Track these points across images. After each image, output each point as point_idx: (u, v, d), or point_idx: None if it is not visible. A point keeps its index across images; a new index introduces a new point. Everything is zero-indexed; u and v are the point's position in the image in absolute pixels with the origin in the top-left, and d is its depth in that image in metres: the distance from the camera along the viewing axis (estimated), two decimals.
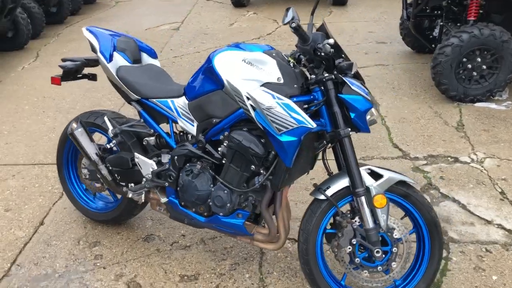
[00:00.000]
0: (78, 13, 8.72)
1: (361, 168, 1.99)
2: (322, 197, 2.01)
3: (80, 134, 2.47)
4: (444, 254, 2.48)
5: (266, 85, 1.92)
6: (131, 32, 6.93)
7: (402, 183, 2.02)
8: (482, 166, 3.30)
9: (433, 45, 5.03)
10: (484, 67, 4.16)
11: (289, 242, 2.59)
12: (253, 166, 2.04)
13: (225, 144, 2.09)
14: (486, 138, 3.69)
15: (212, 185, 2.17)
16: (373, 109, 1.94)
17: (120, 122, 2.50)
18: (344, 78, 1.90)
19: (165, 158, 2.34)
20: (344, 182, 2.00)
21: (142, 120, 2.41)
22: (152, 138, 2.40)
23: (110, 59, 2.40)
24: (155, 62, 2.58)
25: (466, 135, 3.74)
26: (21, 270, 2.52)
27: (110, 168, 2.49)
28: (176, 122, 2.28)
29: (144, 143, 2.43)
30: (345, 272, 2.11)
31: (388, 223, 2.00)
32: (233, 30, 7.15)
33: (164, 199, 2.36)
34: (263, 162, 2.03)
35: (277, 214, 2.15)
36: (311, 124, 1.86)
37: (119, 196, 2.73)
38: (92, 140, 2.52)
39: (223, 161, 2.13)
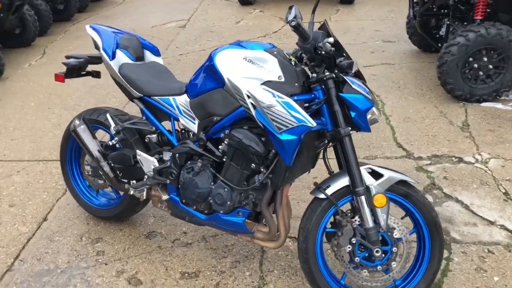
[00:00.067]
0: (85, 10, 8.75)
1: (361, 167, 1.98)
2: (322, 196, 2.01)
3: (83, 131, 2.49)
4: (446, 254, 2.47)
5: (267, 83, 1.92)
6: (137, 30, 6.97)
7: (402, 182, 2.01)
8: (487, 167, 3.28)
9: (439, 44, 4.99)
10: (491, 66, 4.13)
11: (290, 241, 2.59)
12: (253, 165, 2.04)
13: (225, 142, 2.10)
14: (491, 138, 3.66)
15: (212, 183, 2.17)
16: (374, 108, 1.93)
17: (123, 119, 2.51)
18: (344, 77, 1.90)
19: (167, 156, 2.35)
20: (344, 181, 2.00)
21: (144, 117, 2.42)
22: (154, 135, 2.41)
23: (112, 56, 2.41)
24: (158, 59, 2.59)
25: (471, 135, 3.71)
26: (24, 265, 2.54)
27: (112, 165, 2.51)
28: (177, 120, 2.29)
29: (146, 140, 2.43)
30: (344, 271, 2.10)
31: (388, 222, 1.99)
32: (239, 28, 7.15)
33: (165, 197, 2.37)
34: (263, 160, 2.03)
35: (277, 213, 2.16)
36: (311, 123, 1.86)
37: (121, 193, 2.74)
38: (94, 137, 2.54)
39: (224, 159, 2.14)
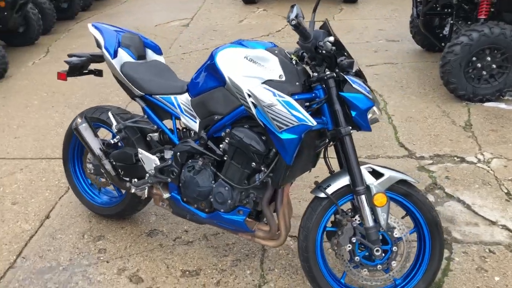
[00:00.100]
0: (89, 9, 8.78)
1: (362, 167, 1.98)
2: (322, 195, 2.01)
3: (85, 129, 2.50)
4: (447, 254, 2.47)
5: (268, 82, 1.92)
6: (141, 28, 6.98)
7: (403, 182, 2.01)
8: (489, 167, 3.27)
9: (443, 44, 4.96)
10: (494, 66, 4.11)
11: (290, 240, 2.60)
12: (254, 163, 2.04)
13: (226, 141, 2.10)
14: (494, 138, 3.65)
15: (213, 182, 2.18)
16: (374, 108, 1.93)
17: (124, 117, 2.51)
18: (345, 76, 1.90)
19: (168, 154, 2.36)
20: (344, 181, 2.00)
21: (145, 116, 2.43)
22: (156, 134, 2.42)
23: (114, 55, 2.41)
24: (160, 58, 2.59)
25: (473, 135, 3.70)
26: (26, 262, 2.56)
27: (114, 163, 2.52)
28: (179, 119, 2.30)
29: (147, 139, 2.44)
30: (345, 270, 2.10)
31: (388, 222, 1.99)
32: (243, 27, 7.15)
33: (166, 195, 2.38)
34: (264, 159, 2.03)
35: (278, 212, 2.16)
36: (312, 122, 1.86)
37: (123, 191, 2.75)
38: (96, 135, 2.55)
39: (225, 158, 2.14)
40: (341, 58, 1.93)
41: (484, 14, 4.22)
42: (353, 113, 1.90)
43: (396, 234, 2.02)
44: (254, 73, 1.94)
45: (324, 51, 1.86)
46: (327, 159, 2.18)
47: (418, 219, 2.06)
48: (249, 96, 1.93)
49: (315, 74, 1.95)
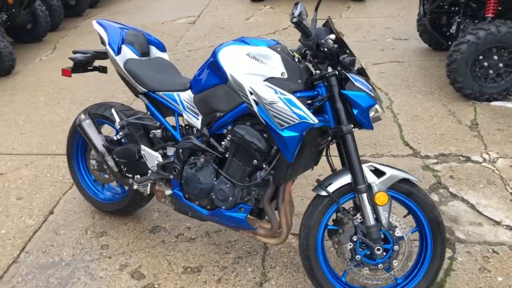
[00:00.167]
0: (97, 6, 8.82)
1: (363, 165, 1.97)
2: (323, 193, 2.01)
3: (88, 126, 2.51)
4: (450, 254, 2.46)
5: (270, 80, 1.92)
6: (147, 25, 7.00)
7: (405, 181, 2.00)
8: (494, 166, 3.24)
9: (450, 42, 4.92)
10: (501, 65, 4.08)
11: (292, 238, 2.60)
12: (255, 161, 2.04)
13: (228, 138, 2.10)
14: (500, 137, 3.62)
15: (215, 179, 2.18)
16: (377, 106, 1.92)
17: (128, 114, 2.52)
18: (347, 74, 1.89)
19: (171, 151, 2.36)
20: (346, 179, 1.99)
21: (148, 113, 2.44)
22: (159, 131, 2.43)
23: (118, 51, 2.42)
24: (164, 55, 2.60)
25: (479, 134, 3.67)
26: (29, 257, 2.58)
27: (117, 159, 2.53)
28: (181, 116, 2.30)
29: (150, 135, 2.45)
30: (346, 269, 2.10)
31: (390, 221, 1.98)
32: (249, 24, 7.14)
33: (168, 191, 2.38)
34: (265, 156, 2.03)
35: (279, 209, 2.16)
36: (313, 119, 1.86)
37: (126, 188, 2.76)
38: (99, 132, 2.56)
39: (227, 155, 2.14)
40: (343, 56, 1.92)
41: (492, 12, 4.18)
42: (355, 111, 1.89)
43: (397, 233, 2.01)
44: (256, 71, 1.94)
45: (325, 49, 1.86)
46: (329, 157, 2.17)
47: (420, 218, 2.05)
48: (251, 93, 1.92)
49: (318, 72, 1.94)
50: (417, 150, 3.50)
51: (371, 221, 1.95)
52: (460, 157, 3.37)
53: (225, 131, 2.11)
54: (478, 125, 3.82)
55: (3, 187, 3.25)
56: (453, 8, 4.81)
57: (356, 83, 1.88)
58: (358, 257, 2.03)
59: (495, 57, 4.05)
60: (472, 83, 4.13)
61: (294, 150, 1.91)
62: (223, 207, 2.18)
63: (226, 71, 2.00)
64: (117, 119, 2.46)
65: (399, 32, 6.33)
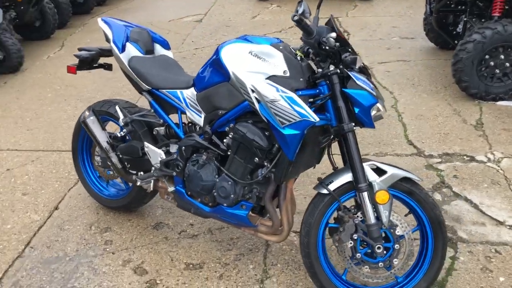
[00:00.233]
0: (105, 3, 8.86)
1: (365, 164, 1.98)
2: (324, 191, 2.01)
3: (92, 122, 2.53)
4: (452, 253, 2.45)
5: (272, 78, 1.93)
6: (154, 23, 7.03)
7: (406, 179, 2.00)
8: (499, 166, 3.23)
9: (456, 41, 4.90)
10: (508, 64, 4.05)
11: (294, 235, 2.60)
12: (256, 159, 2.05)
13: (230, 135, 2.11)
14: (505, 137, 3.60)
15: (217, 176, 2.19)
16: (378, 105, 1.92)
17: (132, 111, 2.54)
18: (349, 73, 1.89)
19: (174, 148, 2.38)
20: (347, 177, 2.00)
21: (152, 110, 2.45)
22: (162, 128, 2.44)
23: (122, 49, 2.44)
24: (168, 53, 2.61)
25: (484, 134, 3.66)
26: (34, 252, 2.61)
27: (121, 156, 2.55)
28: (184, 113, 2.31)
29: (154, 132, 2.47)
30: (346, 267, 2.10)
31: (391, 219, 1.98)
32: (255, 23, 7.15)
33: (171, 188, 2.40)
34: (267, 154, 2.04)
35: (281, 207, 2.17)
36: (314, 118, 1.86)
37: (130, 184, 2.78)
38: (103, 129, 2.58)
39: (228, 153, 2.16)
40: (345, 54, 1.92)
41: (498, 11, 4.15)
42: (356, 110, 1.89)
43: (398, 232, 2.01)
44: (258, 69, 1.95)
45: (327, 47, 1.86)
46: (330, 155, 2.18)
47: (421, 217, 2.05)
48: (253, 91, 1.93)
49: (320, 70, 1.95)
50: (421, 149, 3.49)
51: (372, 219, 1.95)
52: (464, 157, 3.36)
53: (227, 128, 2.12)
54: (483, 125, 3.80)
55: (9, 183, 3.29)
56: (459, 7, 4.79)
57: (358, 82, 1.88)
58: (358, 255, 2.03)
59: (502, 57, 4.03)
60: (478, 83, 4.11)
61: (295, 148, 1.92)
62: (225, 204, 2.19)
63: (228, 69, 2.01)
64: (121, 116, 2.48)
65: (406, 31, 6.31)
